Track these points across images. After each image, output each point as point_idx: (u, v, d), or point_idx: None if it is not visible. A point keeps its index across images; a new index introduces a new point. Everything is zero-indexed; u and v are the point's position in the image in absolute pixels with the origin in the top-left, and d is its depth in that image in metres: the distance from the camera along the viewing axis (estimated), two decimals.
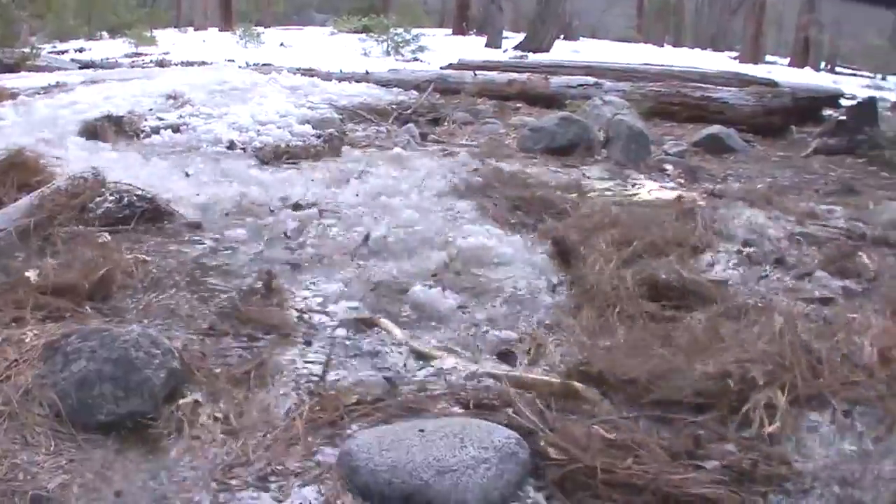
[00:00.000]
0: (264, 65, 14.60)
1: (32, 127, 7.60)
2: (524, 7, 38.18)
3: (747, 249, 5.13)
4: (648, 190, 6.87)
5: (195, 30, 31.68)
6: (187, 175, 6.39)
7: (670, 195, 6.59)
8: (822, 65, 37.70)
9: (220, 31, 30.31)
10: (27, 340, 3.27)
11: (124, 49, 21.14)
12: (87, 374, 2.87)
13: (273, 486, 2.60)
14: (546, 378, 3.29)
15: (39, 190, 5.20)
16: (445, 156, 7.58)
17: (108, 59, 18.57)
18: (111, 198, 5.25)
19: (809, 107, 12.28)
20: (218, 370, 3.15)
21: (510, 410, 2.93)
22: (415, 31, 22.23)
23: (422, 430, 2.71)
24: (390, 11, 31.79)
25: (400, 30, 21.17)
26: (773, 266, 4.91)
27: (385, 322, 3.79)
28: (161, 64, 15.31)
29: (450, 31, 34.50)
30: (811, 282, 4.71)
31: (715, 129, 9.88)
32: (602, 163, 7.95)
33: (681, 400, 3.04)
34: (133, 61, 16.81)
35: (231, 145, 7.52)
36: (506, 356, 3.57)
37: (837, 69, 36.48)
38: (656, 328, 3.77)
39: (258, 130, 8.12)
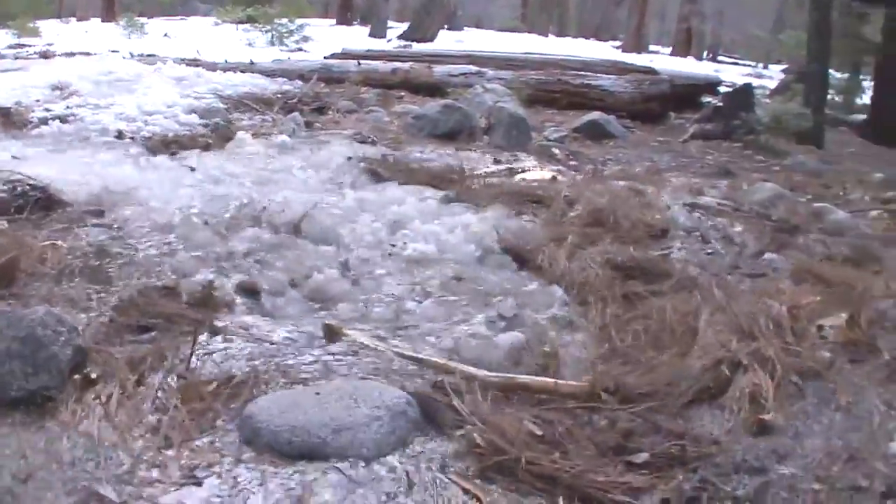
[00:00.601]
0: (149, 55, 14.45)
1: None
2: None
3: None
4: (528, 170, 7.20)
5: (78, 20, 31.01)
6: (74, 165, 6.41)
7: (548, 175, 6.95)
8: (705, 54, 38.84)
9: (103, 21, 29.76)
10: None
11: (7, 40, 20.68)
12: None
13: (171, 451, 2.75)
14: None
15: None
16: (328, 144, 7.74)
17: None
18: (4, 187, 5.31)
19: (688, 94, 12.89)
20: (116, 352, 3.29)
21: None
22: (299, 21, 22.21)
23: (317, 393, 2.96)
24: (274, 2, 31.72)
25: (284, 20, 21.13)
26: None
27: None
28: (45, 55, 14.95)
29: (333, 21, 34.46)
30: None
31: (595, 115, 10.31)
32: (484, 148, 8.24)
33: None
34: (17, 52, 16.45)
35: (119, 135, 7.61)
36: None
37: (720, 58, 37.64)
38: None
39: (145, 121, 8.26)
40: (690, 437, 2.95)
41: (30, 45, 19.02)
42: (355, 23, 35.21)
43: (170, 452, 2.73)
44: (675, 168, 8.30)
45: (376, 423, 2.81)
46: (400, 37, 25.75)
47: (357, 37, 25.30)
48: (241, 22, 24.80)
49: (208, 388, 3.10)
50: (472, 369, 3.33)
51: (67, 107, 8.55)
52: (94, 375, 3.07)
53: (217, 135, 7.98)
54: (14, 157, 6.33)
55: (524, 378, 3.33)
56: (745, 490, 2.68)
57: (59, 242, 4.46)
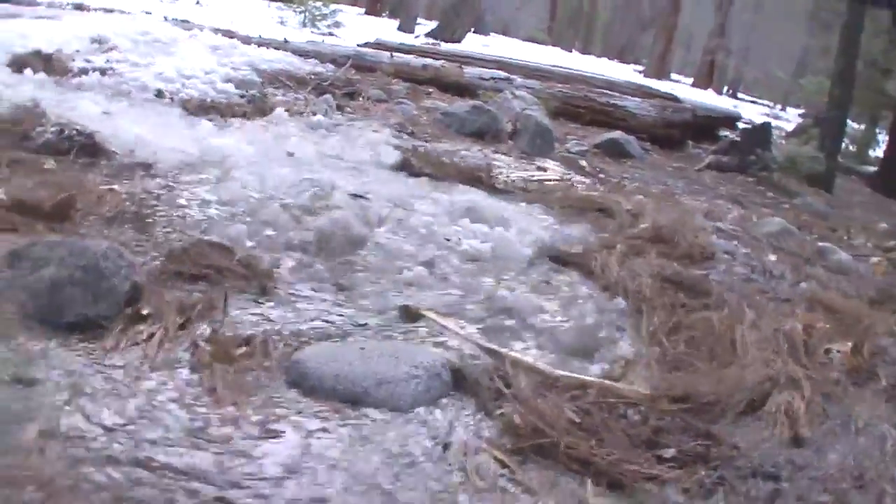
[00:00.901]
0: (182, 21, 14.55)
1: None
2: None
3: None
4: (551, 174, 7.53)
5: None
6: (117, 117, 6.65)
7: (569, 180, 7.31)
8: (725, 89, 39.17)
9: None
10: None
11: None
12: (58, 278, 3.28)
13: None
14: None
15: None
16: (362, 130, 8.01)
17: None
18: (52, 129, 5.57)
19: (708, 125, 13.17)
20: (168, 295, 3.56)
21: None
22: (332, 6, 22.44)
23: (362, 349, 3.27)
24: None
25: (319, 3, 21.36)
26: None
27: None
28: (80, 7, 15.16)
29: (363, 10, 34.71)
30: None
31: (616, 134, 10.59)
32: (508, 151, 8.56)
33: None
34: (50, 2, 16.65)
35: (159, 93, 7.90)
36: None
37: (739, 95, 37.98)
38: None
39: (183, 83, 8.53)
40: (715, 439, 3.24)
41: None
42: (384, 14, 35.48)
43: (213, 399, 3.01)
44: (689, 193, 8.59)
45: (414, 381, 3.13)
46: (428, 34, 26.02)
47: (386, 29, 25.57)
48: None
49: (252, 340, 3.37)
50: (535, 362, 3.61)
51: (108, 60, 8.75)
52: (145, 312, 3.34)
53: (254, 106, 8.26)
54: (56, 103, 6.54)
55: (589, 378, 3.60)
56: (759, 492, 2.97)
57: (116, 187, 4.72)
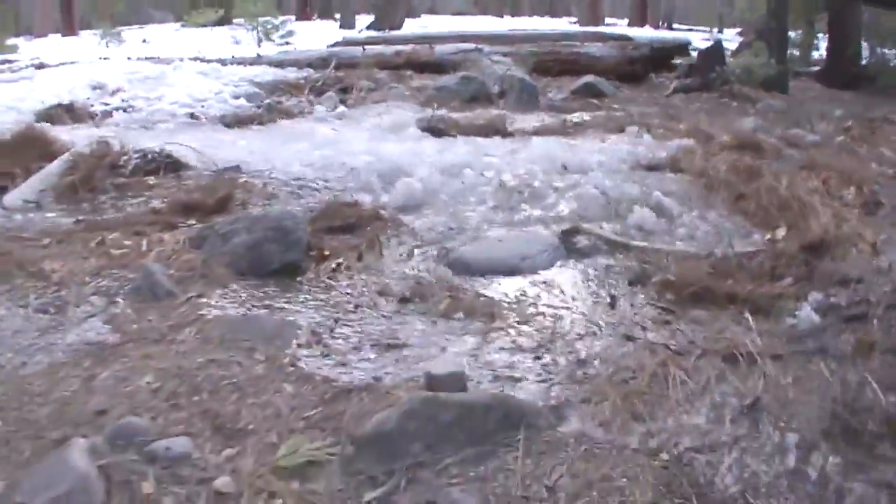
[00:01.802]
0: (148, 58, 15.38)
1: None
2: None
3: None
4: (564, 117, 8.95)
5: (36, 37, 31.85)
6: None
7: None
8: (660, 23, 40.40)
9: (63, 35, 30.71)
10: (169, 239, 4.81)
11: None
12: (254, 240, 4.46)
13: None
14: None
15: (68, 154, 6.48)
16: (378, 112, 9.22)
17: None
18: (136, 156, 6.63)
19: (664, 56, 14.56)
20: (332, 239, 4.76)
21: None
22: (281, 17, 23.50)
23: (500, 241, 4.55)
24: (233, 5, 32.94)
25: (268, 17, 22.38)
26: None
27: None
28: (41, 66, 15.79)
29: (293, 17, 35.59)
30: None
31: (588, 78, 11.92)
32: (505, 108, 9.77)
33: None
34: (9, 67, 17.26)
35: (192, 116, 9.06)
36: None
37: (674, 27, 39.21)
38: None
39: (202, 105, 9.73)
40: (814, 265, 4.49)
41: (15, 61, 19.73)
42: (315, 17, 36.46)
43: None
44: (670, 115, 9.82)
45: (545, 253, 4.44)
46: (368, 27, 27.07)
47: (328, 29, 26.66)
48: (217, 24, 26.14)
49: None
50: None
51: (122, 100, 9.89)
52: (326, 252, 4.51)
53: (274, 112, 9.48)
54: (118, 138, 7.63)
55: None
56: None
57: (255, 181, 5.89)
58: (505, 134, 8.00)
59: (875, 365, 3.30)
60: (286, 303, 4.06)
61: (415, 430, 2.70)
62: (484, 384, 3.22)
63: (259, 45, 20.07)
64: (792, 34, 16.75)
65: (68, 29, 31.72)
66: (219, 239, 4.55)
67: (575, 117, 9.33)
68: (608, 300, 4.13)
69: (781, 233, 4.86)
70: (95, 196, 5.92)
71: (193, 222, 5.15)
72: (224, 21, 27.01)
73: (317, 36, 22.08)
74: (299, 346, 3.54)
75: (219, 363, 3.30)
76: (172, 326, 3.68)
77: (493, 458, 2.69)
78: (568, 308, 4.05)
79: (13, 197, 5.92)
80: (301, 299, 4.11)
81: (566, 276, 4.50)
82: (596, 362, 3.43)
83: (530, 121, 8.99)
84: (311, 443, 2.73)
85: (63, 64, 15.39)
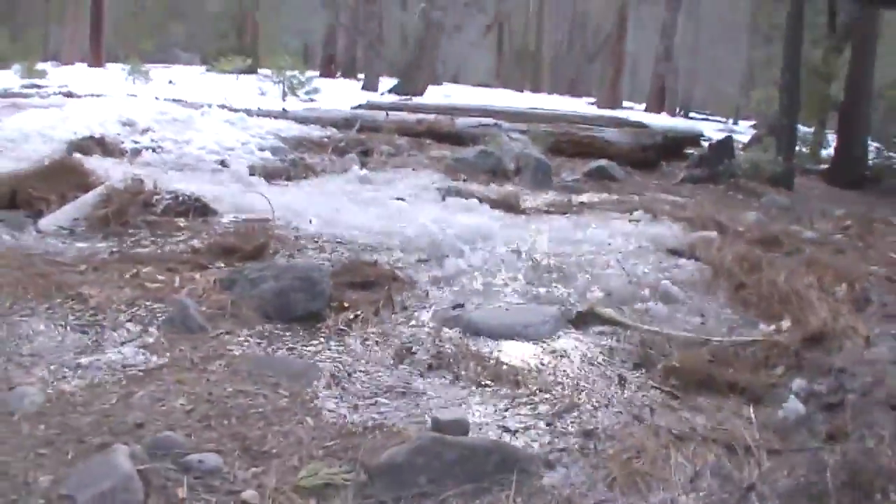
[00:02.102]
0: (175, 100, 15.71)
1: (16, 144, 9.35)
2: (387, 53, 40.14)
3: None
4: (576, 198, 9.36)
5: (62, 64, 32.50)
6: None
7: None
8: (677, 110, 41.05)
9: (90, 66, 31.38)
10: (201, 279, 5.20)
11: (16, 80, 22.03)
12: (282, 287, 4.84)
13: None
14: None
15: (103, 187, 6.95)
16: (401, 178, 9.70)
17: (6, 89, 18.98)
18: (167, 196, 7.06)
19: (676, 145, 15.07)
20: (352, 294, 5.14)
21: None
22: (307, 73, 23.98)
23: (507, 309, 4.93)
24: (259, 51, 33.66)
25: (295, 71, 22.84)
26: None
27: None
28: (69, 95, 16.14)
29: (317, 73, 36.28)
30: None
31: (602, 161, 12.41)
32: (520, 185, 10.17)
33: None
34: (38, 92, 17.67)
35: (223, 163, 9.47)
36: None
37: (691, 114, 39.86)
38: None
39: (229, 154, 10.14)
40: (804, 356, 4.77)
41: (44, 86, 20.16)
42: (338, 75, 37.16)
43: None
44: (678, 203, 10.25)
45: (546, 324, 4.80)
46: (391, 90, 27.66)
47: (352, 89, 27.29)
48: (243, 72, 26.72)
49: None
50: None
51: (152, 140, 10.27)
52: (346, 304, 4.90)
53: (299, 168, 9.92)
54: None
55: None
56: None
57: (283, 233, 6.31)
58: (518, 210, 8.42)
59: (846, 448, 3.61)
60: (308, 347, 4.41)
61: (422, 464, 3.05)
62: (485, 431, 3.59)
63: (284, 99, 20.52)
64: (806, 129, 17.36)
65: (96, 60, 32.36)
66: (248, 283, 4.93)
67: (584, 198, 9.78)
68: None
69: (786, 324, 5.20)
70: (126, 230, 6.38)
71: (222, 265, 5.57)
72: (251, 70, 27.54)
73: (340, 94, 22.64)
74: (319, 386, 3.89)
75: (246, 394, 3.66)
76: (203, 358, 4.05)
77: (488, 494, 3.03)
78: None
79: (48, 222, 6.39)
80: (321, 345, 4.46)
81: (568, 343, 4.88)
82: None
83: (542, 199, 9.42)
84: (330, 468, 3.07)
85: (92, 95, 15.81)
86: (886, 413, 3.88)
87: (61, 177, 7.29)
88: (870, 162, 15.87)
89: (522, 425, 3.69)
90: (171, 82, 24.63)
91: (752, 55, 30.80)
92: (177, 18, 51.57)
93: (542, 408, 3.89)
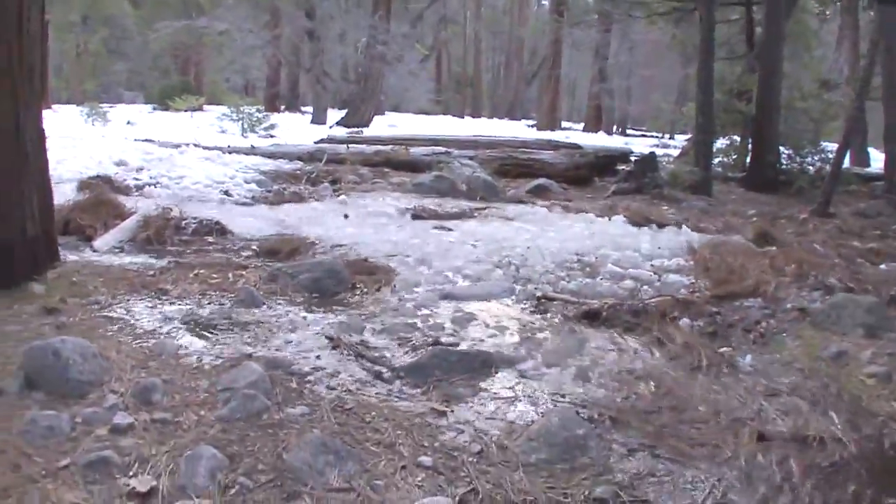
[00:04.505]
0: (146, 139, 17.42)
1: None
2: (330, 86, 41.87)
3: None
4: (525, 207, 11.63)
5: None
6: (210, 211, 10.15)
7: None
8: (615, 128, 43.44)
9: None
10: (248, 275, 7.25)
11: None
12: (315, 277, 6.92)
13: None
14: None
15: (139, 214, 8.97)
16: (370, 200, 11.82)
17: None
18: (193, 221, 9.09)
19: (607, 162, 17.68)
20: (361, 278, 7.23)
21: None
22: (262, 111, 25.95)
23: (473, 284, 7.06)
24: (203, 90, 35.59)
25: (253, 109, 24.73)
26: None
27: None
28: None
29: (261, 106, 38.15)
30: None
31: (541, 180, 14.74)
32: (471, 201, 12.38)
33: None
34: None
35: (227, 193, 11.46)
36: None
37: (628, 132, 42.25)
38: None
39: (222, 186, 12.10)
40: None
41: None
42: (282, 109, 39.09)
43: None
44: (608, 207, 12.45)
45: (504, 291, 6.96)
46: (339, 122, 29.68)
47: (301, 123, 29.27)
48: (195, 110, 28.69)
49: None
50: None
51: (150, 177, 12.21)
52: (357, 286, 6.99)
53: (285, 196, 12.01)
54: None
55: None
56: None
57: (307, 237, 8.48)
58: (471, 217, 10.63)
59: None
60: (337, 311, 6.50)
61: (435, 363, 5.11)
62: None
63: (245, 136, 22.47)
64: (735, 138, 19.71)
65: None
66: (288, 276, 6.98)
67: (531, 207, 12.02)
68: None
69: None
70: (165, 247, 8.37)
71: (258, 265, 7.62)
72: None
73: (295, 129, 24.66)
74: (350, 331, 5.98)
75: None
76: (271, 316, 6.12)
77: (479, 377, 5.08)
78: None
79: (101, 243, 8.28)
80: (343, 309, 6.55)
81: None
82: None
83: (491, 210, 11.64)
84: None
85: (64, 137, 17.25)
86: (745, 334, 6.12)
87: (99, 208, 9.22)
88: (782, 167, 18.03)
89: (495, 341, 5.80)
90: (129, 122, 26.26)
91: (687, 71, 33.16)
92: (117, 57, 53.19)
93: (508, 335, 6.00)
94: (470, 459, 3.86)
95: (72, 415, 3.99)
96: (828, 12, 30.45)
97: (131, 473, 3.50)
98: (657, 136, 38.61)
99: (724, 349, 5.80)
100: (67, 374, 4.32)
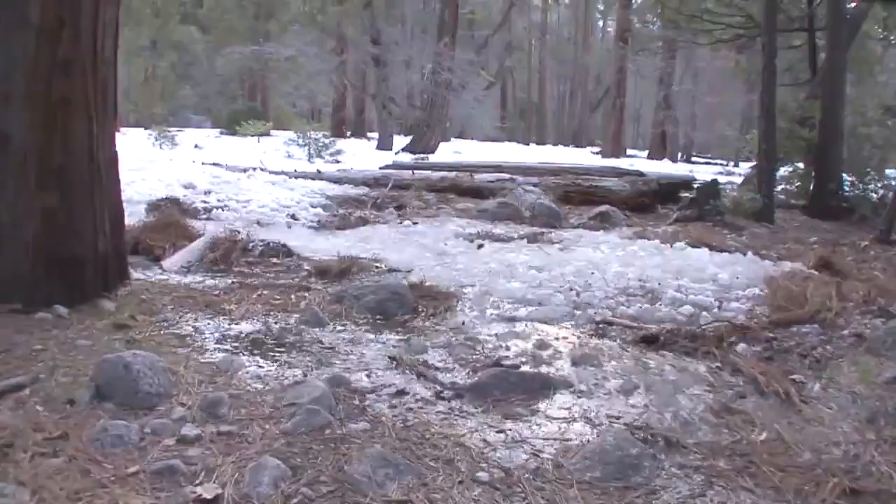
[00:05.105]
0: (214, 163, 17.81)
1: None
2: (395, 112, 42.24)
3: None
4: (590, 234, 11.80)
5: None
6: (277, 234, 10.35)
7: None
8: (679, 155, 43.26)
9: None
10: (311, 296, 7.39)
11: None
12: (380, 299, 7.03)
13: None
14: None
15: (208, 236, 9.20)
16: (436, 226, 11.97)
17: None
18: (260, 244, 9.27)
19: (670, 190, 17.66)
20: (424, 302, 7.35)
21: None
22: (330, 136, 26.27)
23: (536, 308, 7.13)
24: (269, 115, 36.05)
25: (320, 135, 25.06)
26: None
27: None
28: None
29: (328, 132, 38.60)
30: None
31: (604, 207, 14.73)
32: (536, 227, 12.50)
33: None
34: None
35: (293, 217, 11.67)
36: None
37: (693, 159, 42.02)
38: None
39: (286, 210, 12.31)
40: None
41: None
42: (349, 134, 39.47)
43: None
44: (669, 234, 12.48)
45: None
46: (404, 149, 29.91)
47: (366, 148, 29.57)
48: (263, 135, 29.09)
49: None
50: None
51: (218, 200, 12.48)
52: (420, 309, 7.10)
53: (352, 220, 12.19)
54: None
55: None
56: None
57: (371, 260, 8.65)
58: (534, 242, 10.76)
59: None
60: (400, 332, 6.60)
61: (495, 384, 5.20)
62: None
63: (311, 161, 22.77)
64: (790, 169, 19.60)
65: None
66: (353, 298, 7.09)
67: (601, 234, 12.17)
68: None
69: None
70: (231, 269, 8.53)
71: (320, 287, 7.77)
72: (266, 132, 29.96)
73: (360, 155, 24.92)
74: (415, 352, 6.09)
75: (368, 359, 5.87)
76: (335, 336, 6.26)
77: (537, 398, 5.16)
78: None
79: (170, 263, 8.52)
80: (406, 331, 6.66)
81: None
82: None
83: (557, 234, 11.73)
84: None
85: (134, 159, 17.61)
86: (800, 359, 6.15)
87: (168, 229, 9.54)
88: (845, 193, 17.81)
89: (553, 364, 5.88)
90: (196, 146, 26.71)
91: (751, 98, 32.98)
92: (185, 82, 54.07)
93: (566, 358, 6.06)
94: (526, 476, 3.91)
95: (141, 425, 4.13)
96: (892, 38, 30.03)
97: (197, 482, 3.62)
98: (722, 164, 38.39)
99: (783, 374, 5.82)
100: (137, 387, 4.47)
